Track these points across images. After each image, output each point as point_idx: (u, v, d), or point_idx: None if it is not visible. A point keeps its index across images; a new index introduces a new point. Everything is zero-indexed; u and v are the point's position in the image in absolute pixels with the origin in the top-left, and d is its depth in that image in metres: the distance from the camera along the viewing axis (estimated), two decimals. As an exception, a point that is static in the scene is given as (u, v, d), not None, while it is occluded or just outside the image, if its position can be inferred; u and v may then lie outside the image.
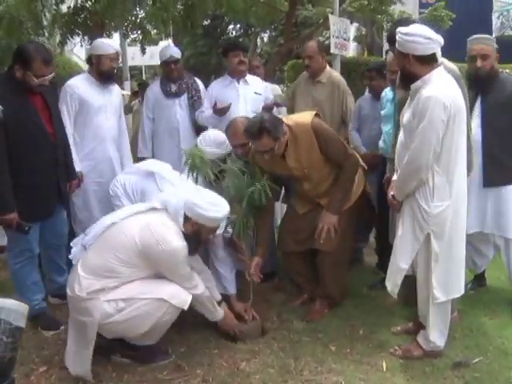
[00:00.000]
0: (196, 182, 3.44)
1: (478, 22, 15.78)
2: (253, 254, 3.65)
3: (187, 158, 3.40)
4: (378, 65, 4.72)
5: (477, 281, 4.20)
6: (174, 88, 4.70)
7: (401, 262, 3.13)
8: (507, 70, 4.55)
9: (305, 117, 3.57)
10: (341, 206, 3.62)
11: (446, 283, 3.08)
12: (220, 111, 4.40)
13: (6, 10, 6.21)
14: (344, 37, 6.60)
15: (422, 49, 2.91)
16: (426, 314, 3.18)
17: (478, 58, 3.64)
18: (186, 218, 3.06)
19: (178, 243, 2.97)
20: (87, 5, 5.58)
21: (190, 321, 3.58)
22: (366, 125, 4.57)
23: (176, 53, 4.73)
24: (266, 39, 18.86)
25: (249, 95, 4.58)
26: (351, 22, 9.90)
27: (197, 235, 3.09)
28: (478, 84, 3.72)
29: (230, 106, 4.38)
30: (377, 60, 10.52)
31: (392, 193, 3.21)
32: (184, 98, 4.74)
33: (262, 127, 3.31)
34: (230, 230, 3.57)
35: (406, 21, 3.39)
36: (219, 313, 3.37)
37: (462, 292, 3.17)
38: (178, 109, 4.70)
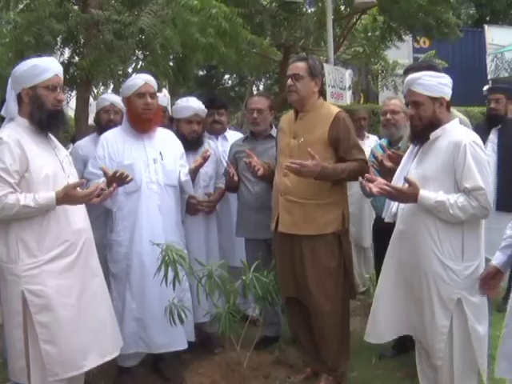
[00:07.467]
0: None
1: (472, 65, 15.92)
2: None
3: (163, 253, 3.13)
4: None
5: None
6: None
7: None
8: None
9: (336, 107, 3.66)
10: (325, 173, 3.34)
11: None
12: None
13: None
14: (340, 86, 6.45)
15: (449, 93, 2.91)
16: None
17: None
18: (20, 97, 2.88)
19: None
20: (74, 60, 5.45)
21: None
22: None
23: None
24: (261, 87, 18.96)
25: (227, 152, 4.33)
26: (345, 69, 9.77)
27: (37, 101, 2.87)
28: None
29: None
30: (373, 107, 10.41)
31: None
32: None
33: (307, 58, 3.66)
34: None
35: (433, 66, 3.40)
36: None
37: None
38: None
